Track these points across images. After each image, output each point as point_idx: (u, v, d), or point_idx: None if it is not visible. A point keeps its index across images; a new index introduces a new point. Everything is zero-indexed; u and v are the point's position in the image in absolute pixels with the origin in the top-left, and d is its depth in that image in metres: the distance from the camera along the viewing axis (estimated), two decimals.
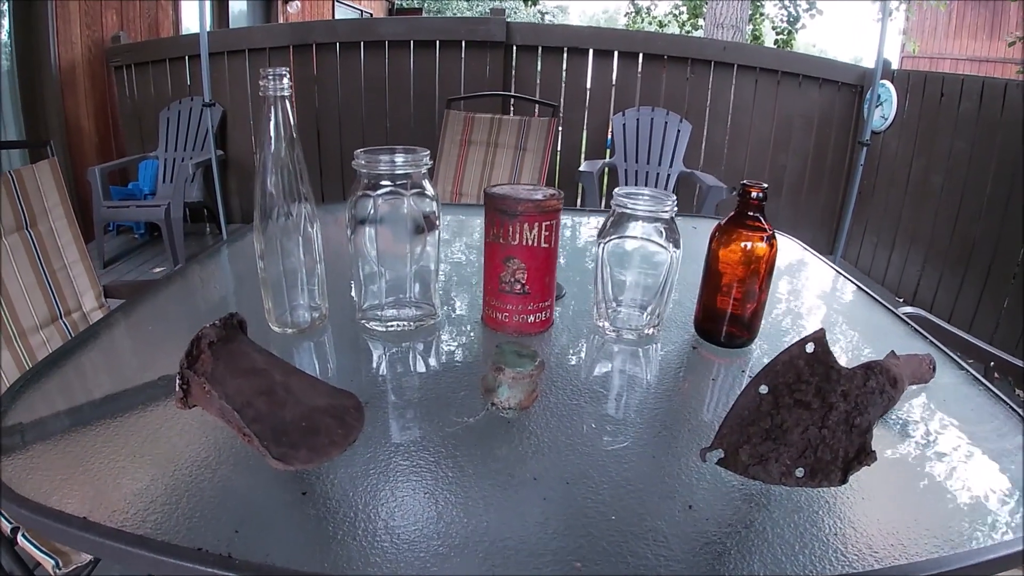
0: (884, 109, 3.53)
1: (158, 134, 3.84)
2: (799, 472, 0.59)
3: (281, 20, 7.01)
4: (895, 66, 3.80)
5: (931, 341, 0.96)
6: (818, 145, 3.78)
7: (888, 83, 3.48)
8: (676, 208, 0.84)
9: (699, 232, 1.47)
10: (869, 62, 3.43)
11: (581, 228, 1.57)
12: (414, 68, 3.76)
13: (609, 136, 3.72)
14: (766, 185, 0.82)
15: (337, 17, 8.24)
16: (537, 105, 3.61)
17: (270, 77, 0.78)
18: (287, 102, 0.80)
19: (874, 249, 3.67)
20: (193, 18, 3.23)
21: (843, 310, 1.14)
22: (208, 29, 3.24)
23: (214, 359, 0.64)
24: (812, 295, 1.21)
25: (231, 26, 5.85)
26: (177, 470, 0.62)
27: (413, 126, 3.84)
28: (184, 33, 4.61)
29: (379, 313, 0.91)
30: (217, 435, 0.66)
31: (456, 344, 0.91)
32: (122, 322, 0.96)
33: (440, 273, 1.15)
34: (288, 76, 0.79)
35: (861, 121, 3.51)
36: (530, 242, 0.82)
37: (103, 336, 0.91)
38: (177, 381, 0.62)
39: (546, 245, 0.83)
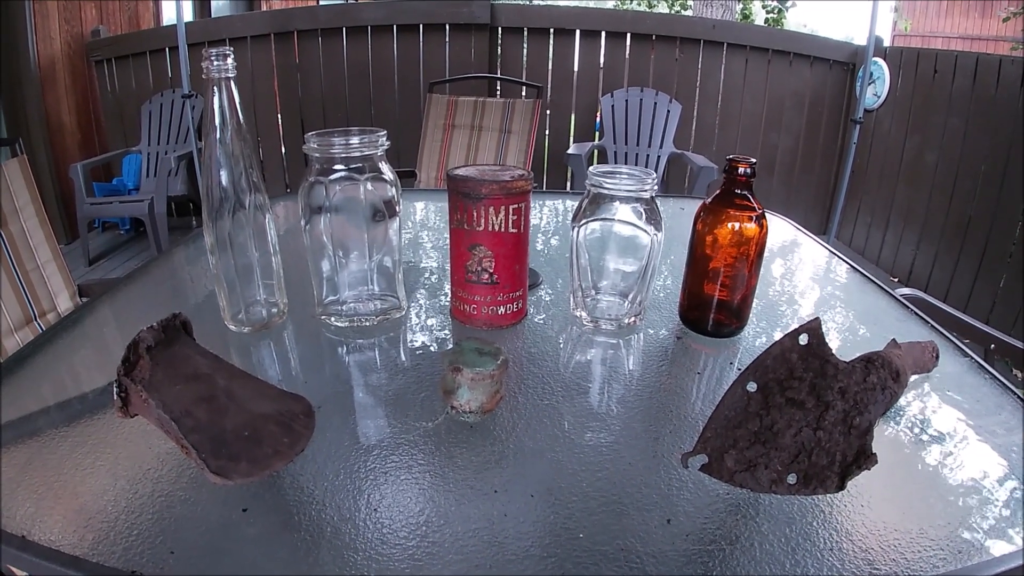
0: (877, 87, 3.46)
1: (140, 128, 3.75)
2: (791, 479, 0.53)
3: (265, 8, 6.87)
4: (887, 44, 3.72)
5: (932, 326, 0.90)
6: (810, 124, 3.72)
7: (880, 60, 3.41)
8: (657, 187, 0.77)
9: (687, 213, 1.40)
10: (861, 40, 3.36)
11: (564, 211, 1.50)
12: (397, 53, 3.67)
13: (598, 118, 3.64)
14: (754, 160, 0.75)
15: (320, 3, 8.08)
16: (524, 88, 3.52)
17: (213, 57, 0.71)
18: (232, 84, 0.73)
19: (868, 229, 3.61)
20: (173, 9, 3.13)
21: (838, 293, 1.08)
22: (188, 20, 3.15)
23: (153, 364, 0.59)
24: (805, 278, 1.15)
25: (214, 15, 5.72)
26: (118, 484, 0.56)
27: (398, 112, 3.75)
28: (164, 25, 4.48)
29: (340, 307, 0.84)
30: (160, 446, 0.60)
31: (421, 339, 0.84)
32: (78, 325, 0.90)
33: (420, 263, 1.09)
34: (232, 56, 0.72)
35: (853, 99, 3.45)
36: (497, 227, 0.75)
37: (58, 341, 0.84)
38: (114, 389, 0.57)
39: (515, 230, 0.76)
